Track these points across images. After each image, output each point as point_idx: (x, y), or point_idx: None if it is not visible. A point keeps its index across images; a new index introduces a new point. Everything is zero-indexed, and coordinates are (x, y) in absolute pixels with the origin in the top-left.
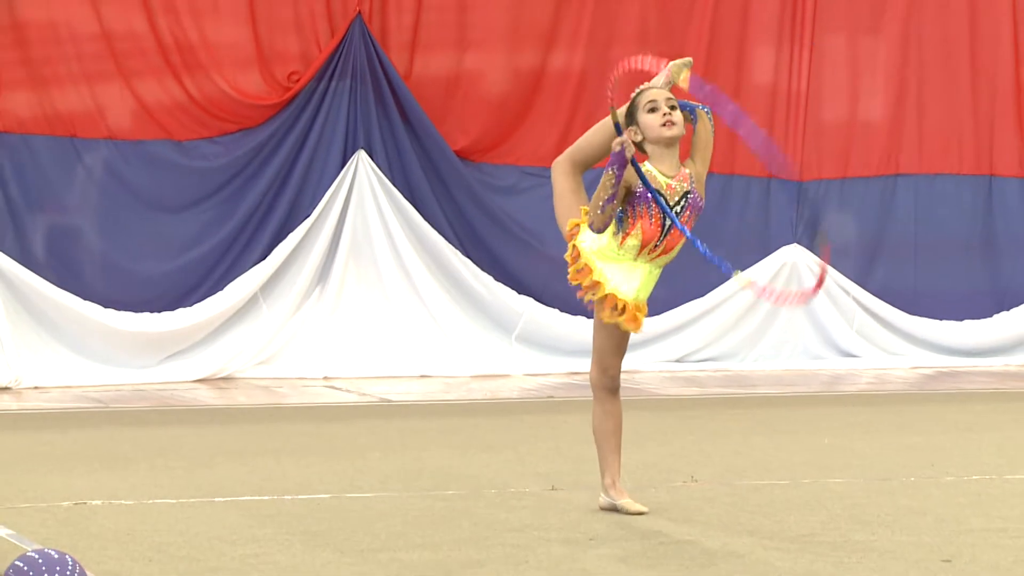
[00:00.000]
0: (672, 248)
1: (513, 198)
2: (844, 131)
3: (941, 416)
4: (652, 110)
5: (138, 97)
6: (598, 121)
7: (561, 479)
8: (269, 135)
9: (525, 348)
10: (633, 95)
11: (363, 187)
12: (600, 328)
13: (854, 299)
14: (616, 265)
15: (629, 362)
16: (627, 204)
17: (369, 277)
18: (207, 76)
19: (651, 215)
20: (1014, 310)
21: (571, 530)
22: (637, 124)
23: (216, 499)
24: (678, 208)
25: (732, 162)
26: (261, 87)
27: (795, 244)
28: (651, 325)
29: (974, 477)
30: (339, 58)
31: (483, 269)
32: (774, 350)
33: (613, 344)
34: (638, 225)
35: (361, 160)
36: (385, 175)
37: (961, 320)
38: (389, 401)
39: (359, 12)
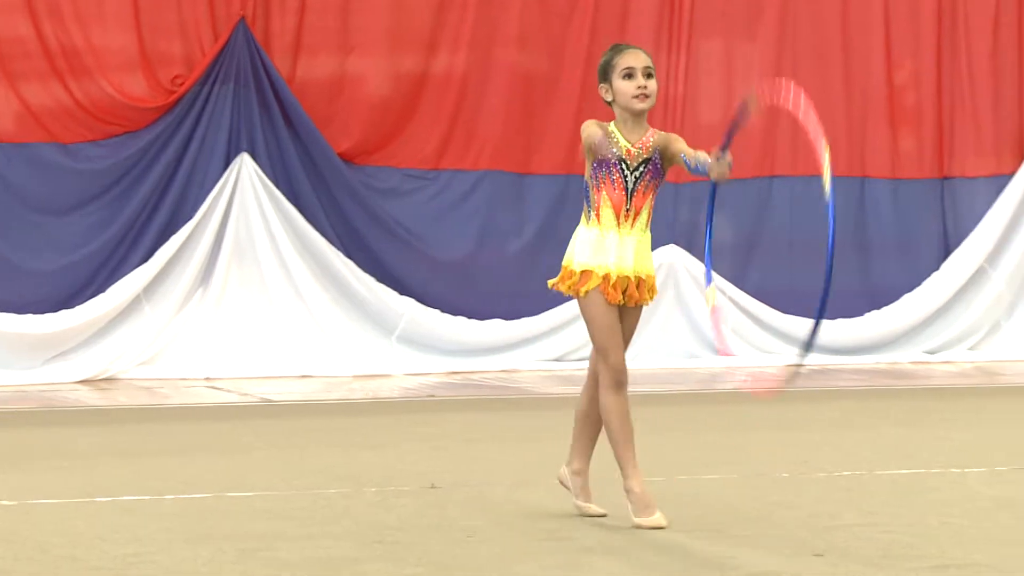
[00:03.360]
0: (642, 208)
1: (395, 200)
2: (720, 134)
3: (814, 413)
4: (628, 76)
5: (23, 100)
6: (479, 124)
7: (441, 477)
8: (153, 138)
9: (406, 348)
10: (610, 51)
11: (246, 189)
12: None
13: (730, 298)
14: (590, 250)
15: (507, 361)
16: (591, 176)
17: (252, 278)
18: (92, 79)
19: (612, 180)
20: (885, 309)
21: (450, 527)
22: (610, 84)
23: (98, 499)
24: (637, 173)
25: None
26: (145, 90)
27: (672, 244)
28: (529, 325)
29: (845, 472)
30: (223, 62)
31: (365, 270)
32: (651, 349)
33: (604, 326)
34: (603, 193)
35: (244, 163)
36: (268, 177)
37: (834, 319)
38: (271, 401)
39: (242, 16)
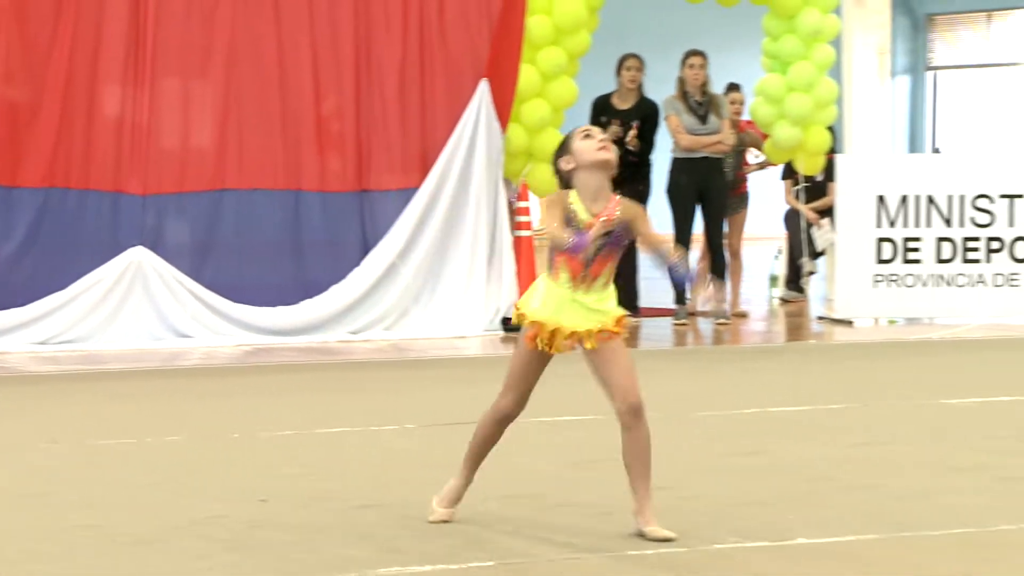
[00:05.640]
0: (599, 275)
1: None
2: (180, 155)
3: (259, 384)
4: (587, 136)
5: None
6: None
7: None
8: None
9: None
10: (566, 134)
11: None
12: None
13: (188, 290)
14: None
15: None
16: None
17: None
18: None
19: (569, 252)
20: (316, 298)
21: None
22: (570, 153)
23: None
24: (598, 244)
25: (88, 178)
26: None
27: (140, 246)
28: (20, 314)
29: (287, 432)
30: None
31: None
32: (123, 332)
33: (518, 366)
34: (561, 260)
35: None
36: None
37: (274, 306)
38: None
39: None
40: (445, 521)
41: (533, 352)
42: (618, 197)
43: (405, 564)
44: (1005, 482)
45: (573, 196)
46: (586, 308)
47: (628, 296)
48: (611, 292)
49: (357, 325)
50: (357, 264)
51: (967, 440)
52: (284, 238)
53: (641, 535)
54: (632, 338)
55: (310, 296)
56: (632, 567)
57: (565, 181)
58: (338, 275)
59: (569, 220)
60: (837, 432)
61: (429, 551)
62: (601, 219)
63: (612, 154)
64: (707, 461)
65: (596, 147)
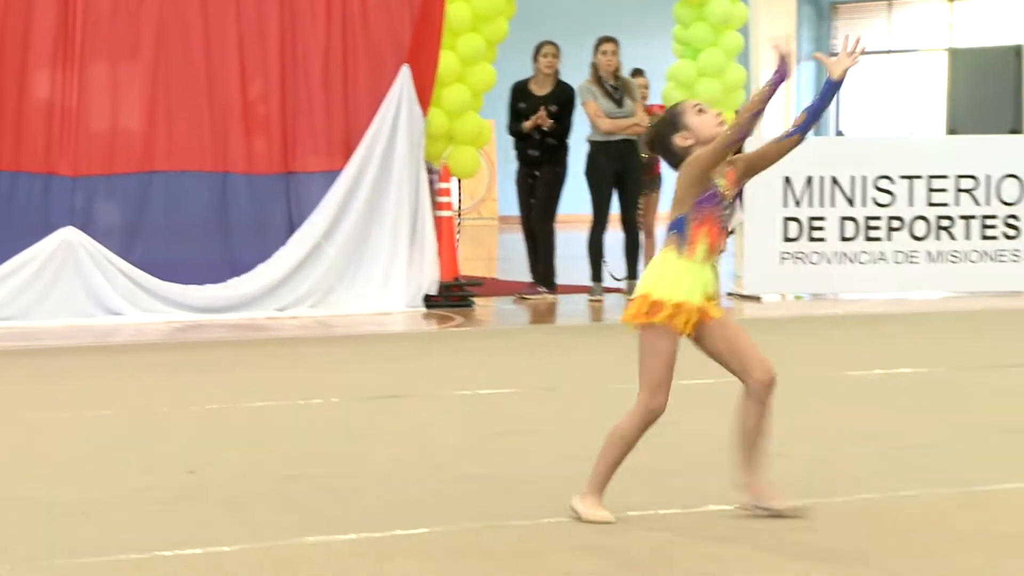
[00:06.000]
0: (720, 248)
1: None
2: (110, 138)
3: (188, 360)
4: (701, 111)
5: None
6: None
7: None
8: None
9: None
10: (664, 114)
11: None
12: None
13: (119, 269)
14: (669, 282)
15: None
16: (692, 210)
17: None
18: None
19: (714, 219)
20: (243, 276)
21: None
22: (687, 128)
23: None
24: (728, 209)
25: (19, 160)
26: None
27: (71, 226)
28: None
29: (214, 407)
30: None
31: None
32: (56, 310)
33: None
34: (702, 230)
35: None
36: None
37: (203, 284)
38: None
39: None
40: (609, 522)
41: (676, 340)
42: (728, 160)
43: (331, 532)
44: (904, 450)
45: None
46: (715, 277)
47: (546, 274)
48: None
49: (283, 302)
50: (283, 243)
51: (870, 410)
52: (212, 219)
53: (775, 513)
54: (549, 314)
55: (237, 274)
56: (553, 533)
57: (680, 159)
58: (265, 254)
59: (712, 187)
60: None
61: (354, 520)
62: (728, 179)
63: (726, 126)
64: None
65: (715, 122)
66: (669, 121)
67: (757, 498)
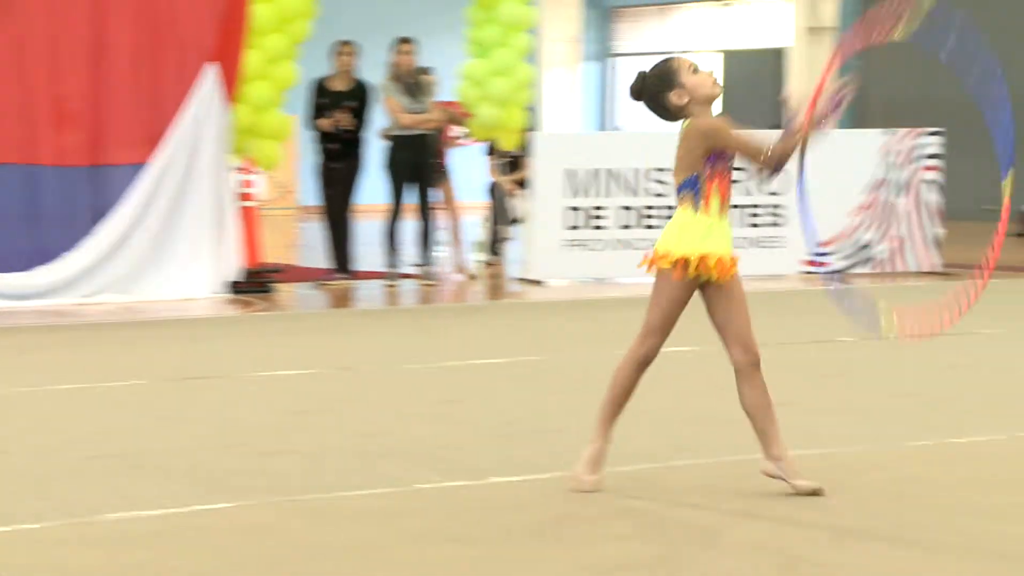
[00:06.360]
0: (729, 200)
1: None
2: None
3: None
4: (697, 71)
5: None
6: None
7: None
8: None
9: None
10: (652, 69)
11: None
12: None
13: None
14: (694, 238)
15: None
16: (705, 167)
17: None
18: None
19: (724, 173)
20: (50, 264)
21: None
22: (683, 87)
23: None
24: (733, 161)
25: None
26: None
27: None
28: None
29: (21, 389)
30: None
31: None
32: None
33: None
34: (714, 184)
35: None
36: None
37: (9, 272)
38: None
39: None
40: (597, 490)
41: (683, 289)
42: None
43: (138, 508)
44: (679, 421)
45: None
46: (729, 233)
47: (342, 258)
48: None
49: (90, 289)
50: (89, 232)
51: (649, 386)
52: (20, 209)
53: (792, 487)
54: (346, 299)
55: (43, 263)
56: (351, 504)
57: (673, 115)
58: (72, 244)
59: (717, 146)
60: (532, 381)
61: (160, 496)
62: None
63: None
64: (414, 408)
65: (711, 82)
66: (663, 78)
67: (784, 473)
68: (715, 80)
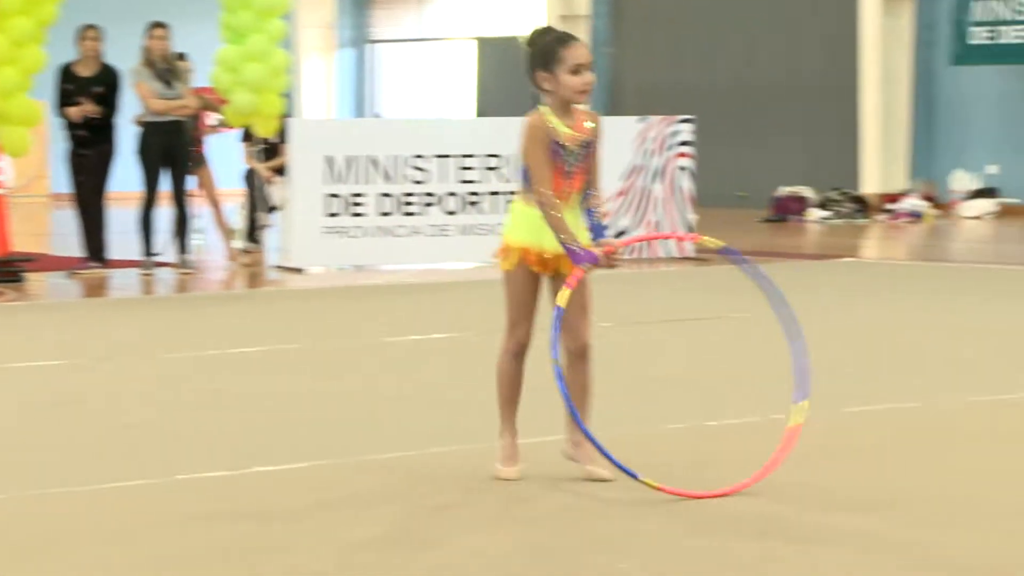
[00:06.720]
0: (575, 190)
1: None
2: None
3: None
4: (576, 72)
5: None
6: None
7: None
8: None
9: None
10: (552, 40)
11: None
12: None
13: None
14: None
15: None
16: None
17: None
18: None
19: (555, 166)
20: None
21: None
22: (553, 75)
23: None
24: (576, 156)
25: None
26: None
27: None
28: None
29: None
30: None
31: None
32: None
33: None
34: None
35: None
36: None
37: None
38: None
39: None
40: (519, 479)
41: (527, 277)
42: (582, 108)
43: None
44: (438, 407)
45: (548, 114)
46: (576, 221)
47: (95, 247)
48: (578, 216)
49: None
50: None
51: (408, 373)
52: None
53: (586, 475)
54: (102, 288)
55: None
56: (111, 497)
57: (534, 88)
58: None
59: (551, 141)
60: (291, 370)
61: None
62: (575, 130)
63: (588, 97)
64: (169, 398)
65: (581, 87)
66: (547, 52)
67: (579, 457)
68: (586, 89)
